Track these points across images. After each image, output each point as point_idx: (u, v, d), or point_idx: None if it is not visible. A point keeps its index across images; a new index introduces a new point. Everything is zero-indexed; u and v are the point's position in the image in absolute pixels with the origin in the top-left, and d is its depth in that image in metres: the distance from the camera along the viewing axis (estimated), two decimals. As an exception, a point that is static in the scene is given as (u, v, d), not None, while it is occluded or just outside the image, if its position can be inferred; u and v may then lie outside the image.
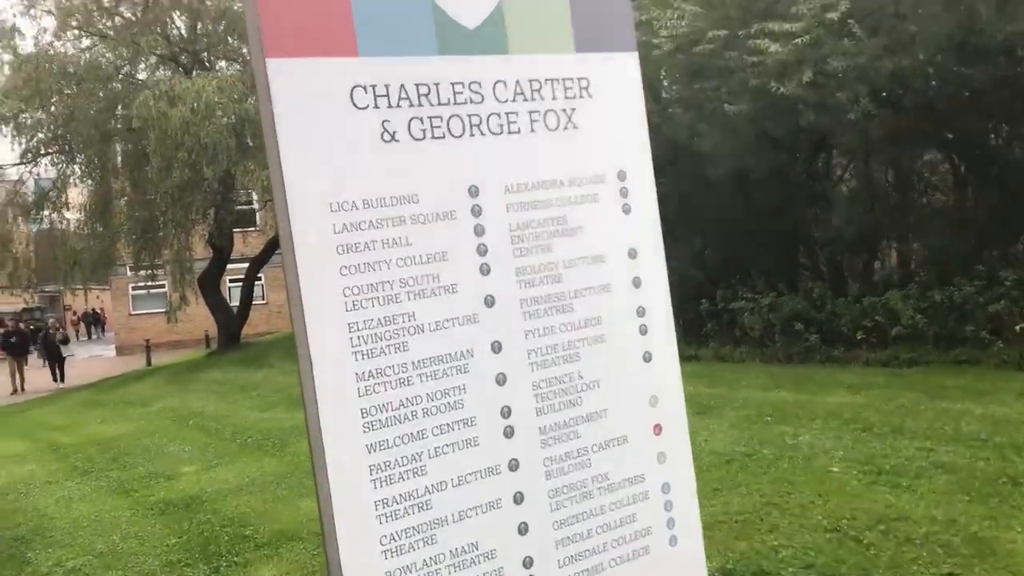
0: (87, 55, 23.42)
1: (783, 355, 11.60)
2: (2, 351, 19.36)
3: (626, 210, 2.83)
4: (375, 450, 2.31)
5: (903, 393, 7.43)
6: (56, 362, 18.92)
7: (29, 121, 23.37)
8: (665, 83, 11.51)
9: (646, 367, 2.84)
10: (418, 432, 2.38)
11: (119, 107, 22.74)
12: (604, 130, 2.80)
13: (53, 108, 23.20)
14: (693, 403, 7.85)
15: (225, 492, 6.40)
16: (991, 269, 9.61)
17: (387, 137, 2.39)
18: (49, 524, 5.98)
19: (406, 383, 2.37)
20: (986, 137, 10.39)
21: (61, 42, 23.46)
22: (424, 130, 2.45)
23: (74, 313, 49.93)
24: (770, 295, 12.22)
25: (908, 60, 8.42)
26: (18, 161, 23.15)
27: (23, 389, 18.17)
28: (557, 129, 2.70)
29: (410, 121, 2.43)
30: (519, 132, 2.63)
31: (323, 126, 2.30)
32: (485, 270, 2.53)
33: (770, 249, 13.47)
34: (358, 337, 2.30)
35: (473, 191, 2.52)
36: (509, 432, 2.54)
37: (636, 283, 2.83)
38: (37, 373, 20.42)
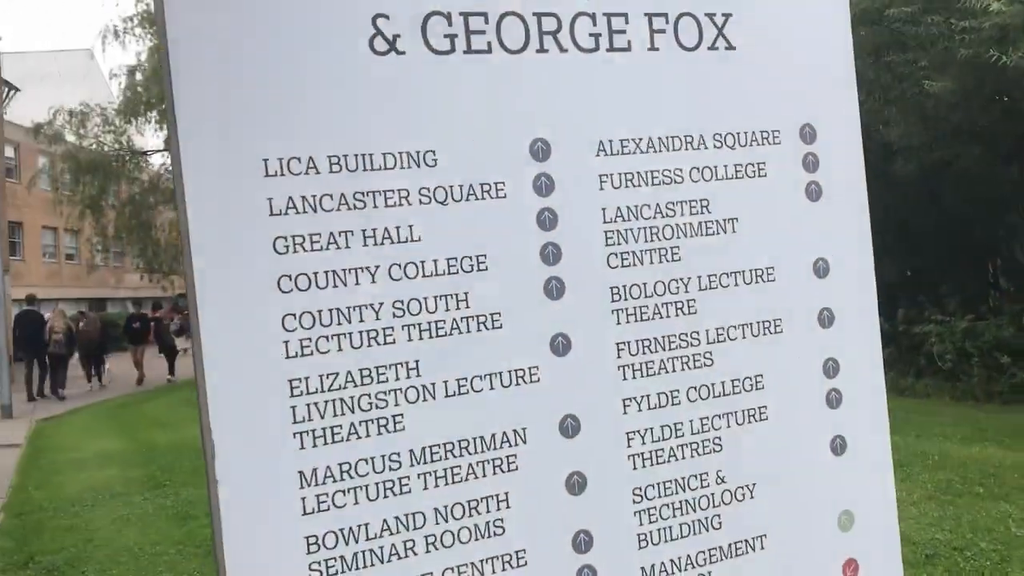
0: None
1: (981, 393, 9.86)
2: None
3: (814, 193, 1.72)
4: (331, 613, 1.32)
5: None
6: (168, 354, 18.74)
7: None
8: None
9: (836, 464, 1.73)
10: (416, 579, 1.38)
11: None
12: (779, 56, 1.70)
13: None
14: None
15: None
16: None
17: (382, 46, 1.39)
18: (88, 553, 5.37)
19: (397, 490, 1.37)
20: None
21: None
22: (453, 37, 1.44)
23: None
24: (966, 318, 10.47)
25: None
26: (162, 147, 23.67)
27: (140, 382, 18.23)
28: (698, 48, 1.62)
29: (427, 20, 1.42)
30: (628, 49, 1.57)
31: (254, 20, 1.32)
32: (555, 290, 1.49)
33: (967, 262, 11.66)
34: (306, 408, 1.32)
35: (540, 151, 1.49)
36: (588, 576, 1.50)
37: (826, 320, 1.72)
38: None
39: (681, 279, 1.59)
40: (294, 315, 1.30)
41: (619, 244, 1.54)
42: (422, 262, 1.39)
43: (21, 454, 10.26)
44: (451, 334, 1.40)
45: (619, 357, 1.53)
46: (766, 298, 1.66)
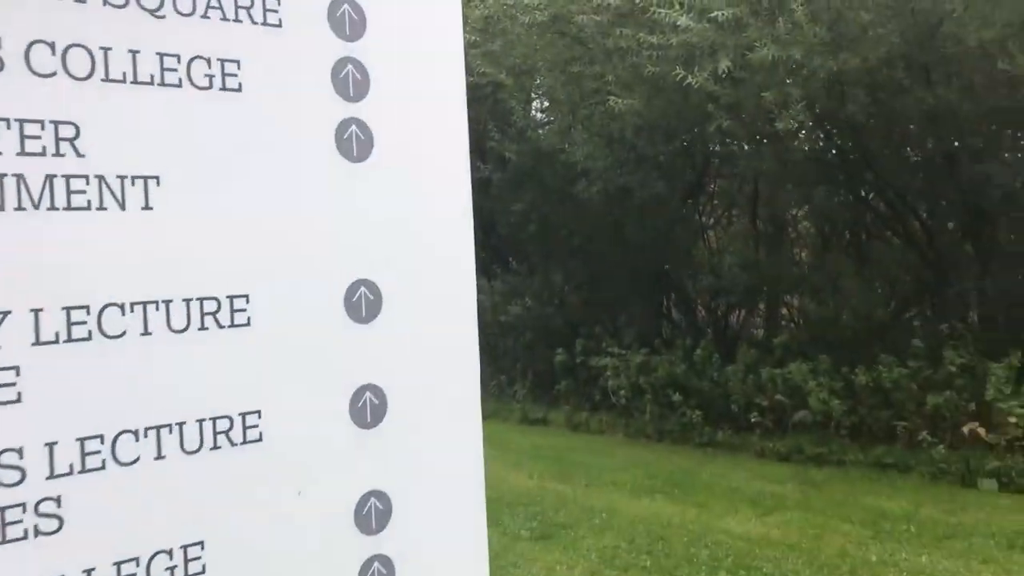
0: None
1: (653, 431, 9.76)
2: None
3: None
4: None
5: (835, 522, 5.59)
6: None
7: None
8: (535, 65, 9.50)
9: None
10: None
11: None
12: None
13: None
14: (532, 517, 5.70)
15: None
16: (932, 347, 8.01)
17: None
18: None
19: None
20: (939, 171, 8.85)
21: None
22: None
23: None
24: (641, 352, 10.39)
25: (856, 60, 6.79)
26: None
27: None
28: None
29: None
30: None
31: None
32: None
33: (644, 294, 11.75)
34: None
35: None
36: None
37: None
38: None
39: None
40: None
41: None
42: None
43: None
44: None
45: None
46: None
